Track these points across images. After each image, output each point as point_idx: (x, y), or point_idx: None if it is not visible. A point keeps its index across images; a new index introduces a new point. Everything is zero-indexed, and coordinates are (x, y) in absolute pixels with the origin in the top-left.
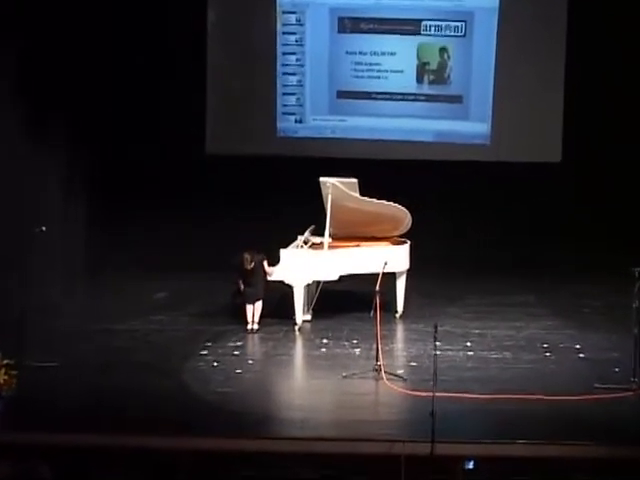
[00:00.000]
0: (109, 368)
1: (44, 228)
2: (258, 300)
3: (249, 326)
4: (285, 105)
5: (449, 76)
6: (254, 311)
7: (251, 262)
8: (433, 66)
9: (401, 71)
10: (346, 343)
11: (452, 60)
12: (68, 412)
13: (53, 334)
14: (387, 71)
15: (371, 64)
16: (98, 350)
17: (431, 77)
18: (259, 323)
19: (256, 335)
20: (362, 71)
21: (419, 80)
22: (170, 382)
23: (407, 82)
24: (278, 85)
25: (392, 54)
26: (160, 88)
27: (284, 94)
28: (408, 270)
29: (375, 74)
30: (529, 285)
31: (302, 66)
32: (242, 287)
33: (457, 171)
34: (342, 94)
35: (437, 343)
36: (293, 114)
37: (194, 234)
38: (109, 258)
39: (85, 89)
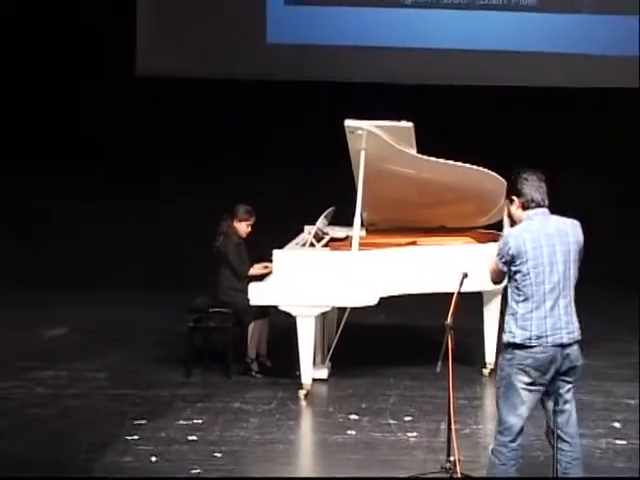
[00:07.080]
0: None
1: None
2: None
3: (253, 366)
4: None
5: None
6: (260, 333)
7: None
8: None
9: None
10: (392, 422)
11: None
12: None
13: None
14: None
15: None
16: None
17: None
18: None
19: (231, 404)
20: None
21: None
22: None
23: None
24: None
25: None
26: None
27: None
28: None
29: None
30: None
31: None
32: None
33: (581, 103)
34: None
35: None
36: (297, 3)
37: (117, 218)
38: None
39: None
